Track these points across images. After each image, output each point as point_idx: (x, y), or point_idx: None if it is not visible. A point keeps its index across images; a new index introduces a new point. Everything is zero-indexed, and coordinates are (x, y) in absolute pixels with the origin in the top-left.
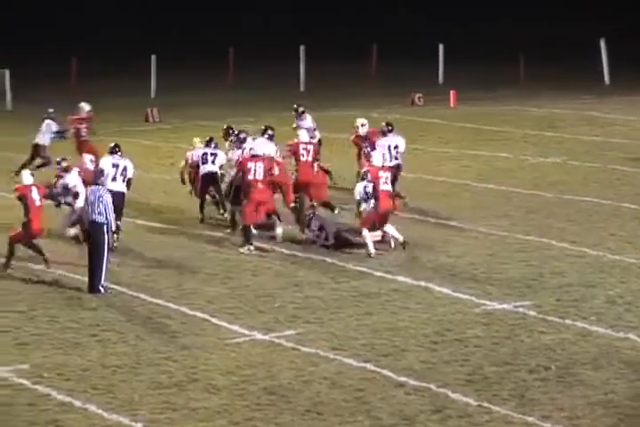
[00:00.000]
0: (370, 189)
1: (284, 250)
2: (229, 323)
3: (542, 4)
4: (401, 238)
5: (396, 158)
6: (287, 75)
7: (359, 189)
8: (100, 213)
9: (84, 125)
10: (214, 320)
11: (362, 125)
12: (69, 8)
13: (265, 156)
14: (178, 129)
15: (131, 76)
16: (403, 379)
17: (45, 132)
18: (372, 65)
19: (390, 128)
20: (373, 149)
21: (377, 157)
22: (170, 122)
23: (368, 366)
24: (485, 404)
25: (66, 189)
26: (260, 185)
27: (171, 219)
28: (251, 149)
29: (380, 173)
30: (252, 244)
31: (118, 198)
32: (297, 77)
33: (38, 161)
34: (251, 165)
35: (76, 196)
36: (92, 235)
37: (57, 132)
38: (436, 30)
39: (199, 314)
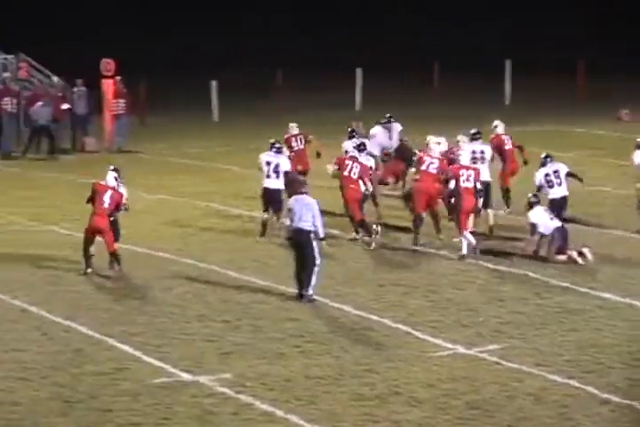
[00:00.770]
0: (552, 177)
1: (488, 264)
2: (432, 336)
3: None
4: (464, 251)
5: (559, 185)
6: (491, 89)
7: (539, 175)
8: (306, 221)
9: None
10: (417, 333)
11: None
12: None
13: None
14: None
15: (336, 90)
16: (607, 396)
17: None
18: (579, 80)
19: (550, 158)
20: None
21: (465, 158)
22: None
23: (572, 382)
24: None
25: None
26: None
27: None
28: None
29: (462, 171)
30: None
31: (275, 195)
32: (502, 91)
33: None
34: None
35: None
36: (299, 243)
37: None
38: None
39: (402, 326)
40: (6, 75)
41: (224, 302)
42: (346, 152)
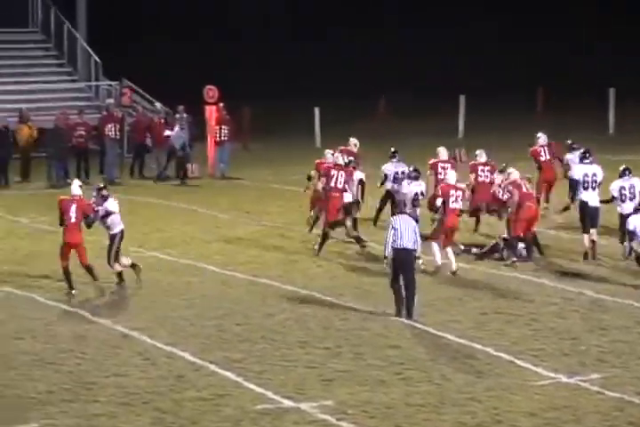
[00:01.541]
0: (626, 191)
1: (591, 293)
2: (534, 365)
3: None
4: (453, 267)
5: (631, 200)
6: (595, 118)
7: (615, 187)
8: (410, 240)
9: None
10: (519, 362)
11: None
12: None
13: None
14: None
15: (440, 116)
16: None
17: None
18: None
19: (628, 172)
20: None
21: (451, 176)
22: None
23: None
24: None
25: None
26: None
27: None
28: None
29: (452, 192)
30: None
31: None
32: (605, 120)
33: None
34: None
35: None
36: (404, 262)
37: None
38: None
39: (504, 355)
40: (110, 101)
41: (325, 329)
42: (385, 176)
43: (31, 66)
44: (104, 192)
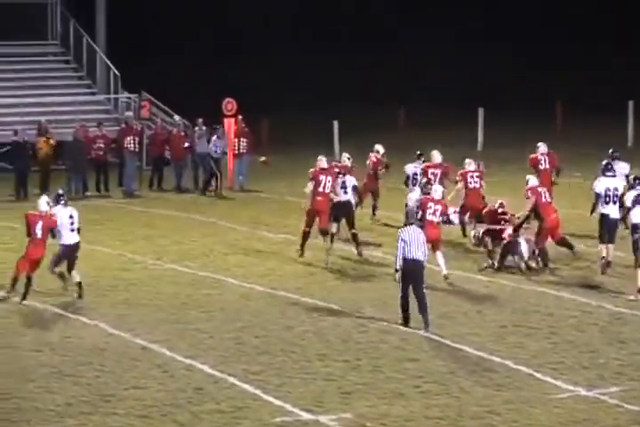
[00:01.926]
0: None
1: (610, 306)
2: (553, 378)
3: None
4: (444, 271)
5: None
6: (614, 130)
7: (630, 196)
8: (419, 251)
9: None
10: (538, 375)
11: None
12: None
13: None
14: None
15: (458, 128)
16: None
17: None
18: None
19: (639, 181)
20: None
21: (437, 190)
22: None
23: None
24: None
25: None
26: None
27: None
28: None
29: (430, 204)
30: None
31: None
32: (625, 132)
33: None
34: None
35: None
36: (415, 273)
37: None
38: None
39: (523, 368)
40: (129, 114)
41: (344, 342)
42: (407, 176)
43: (50, 78)
44: (60, 200)
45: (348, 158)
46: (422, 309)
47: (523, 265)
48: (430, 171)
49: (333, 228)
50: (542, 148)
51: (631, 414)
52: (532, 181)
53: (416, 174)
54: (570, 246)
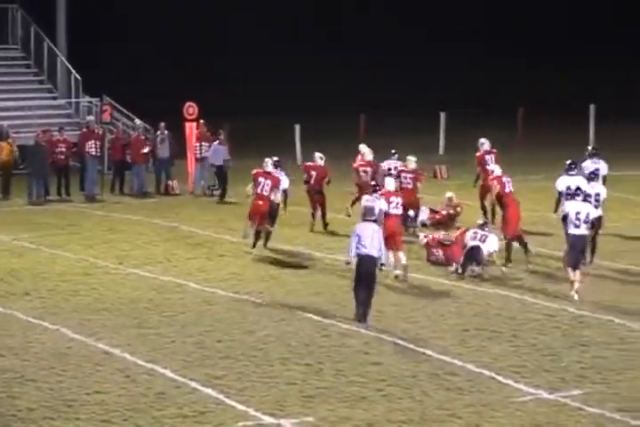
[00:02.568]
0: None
1: (572, 309)
2: (515, 381)
3: None
4: (397, 272)
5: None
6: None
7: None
8: (374, 247)
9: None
10: (500, 378)
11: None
12: None
13: None
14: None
15: (423, 133)
16: None
17: None
18: None
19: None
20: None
21: (390, 183)
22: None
23: None
24: None
25: None
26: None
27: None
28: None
29: (392, 198)
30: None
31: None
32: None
33: None
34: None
35: None
36: (366, 268)
37: None
38: None
39: (485, 371)
40: (90, 118)
41: (306, 346)
42: (389, 169)
43: (11, 83)
44: None
45: (321, 158)
46: (366, 302)
47: (485, 275)
48: (403, 175)
49: (269, 228)
50: (486, 145)
51: (593, 416)
52: (497, 171)
53: (390, 169)
54: (525, 248)
